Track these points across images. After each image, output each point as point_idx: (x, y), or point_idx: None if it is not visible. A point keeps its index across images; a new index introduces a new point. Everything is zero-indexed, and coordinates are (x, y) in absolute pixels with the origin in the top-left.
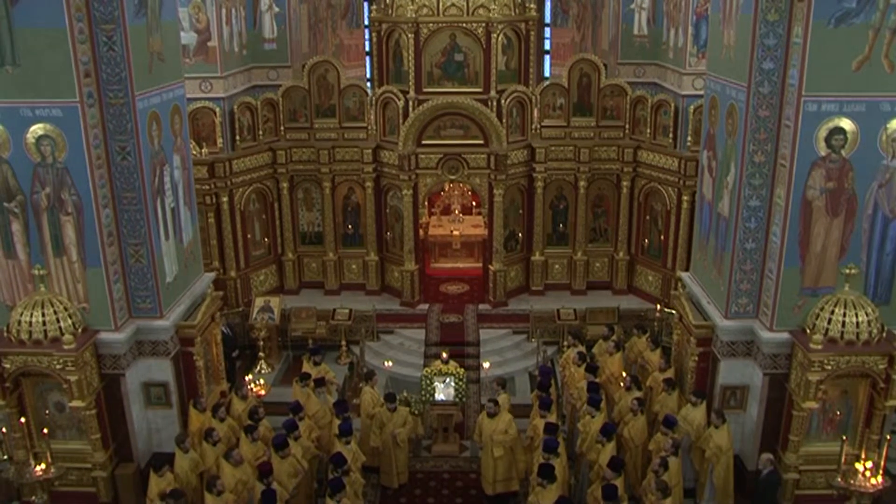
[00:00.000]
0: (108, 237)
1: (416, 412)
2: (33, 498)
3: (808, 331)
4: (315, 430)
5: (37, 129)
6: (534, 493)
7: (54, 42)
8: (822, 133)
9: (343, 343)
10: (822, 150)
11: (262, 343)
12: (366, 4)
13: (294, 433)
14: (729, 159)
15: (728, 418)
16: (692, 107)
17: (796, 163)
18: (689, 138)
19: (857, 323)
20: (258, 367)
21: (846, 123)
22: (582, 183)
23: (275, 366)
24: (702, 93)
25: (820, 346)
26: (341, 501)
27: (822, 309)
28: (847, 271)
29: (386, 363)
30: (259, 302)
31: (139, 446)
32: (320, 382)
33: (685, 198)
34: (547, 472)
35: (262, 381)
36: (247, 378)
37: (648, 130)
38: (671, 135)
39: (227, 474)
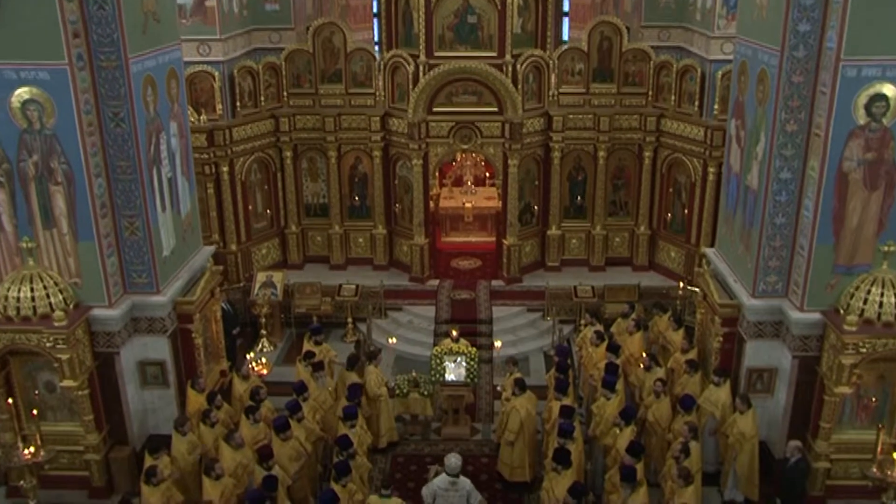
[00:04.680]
0: (102, 208)
1: (426, 393)
2: (21, 483)
3: (841, 311)
4: (319, 412)
5: (22, 92)
6: (548, 479)
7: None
8: (862, 100)
9: (349, 320)
10: (861, 119)
11: (263, 320)
12: None
13: (297, 415)
14: (759, 128)
15: (754, 403)
16: (720, 72)
17: (832, 132)
18: (716, 106)
19: None
20: (260, 346)
21: (889, 89)
22: (601, 153)
23: (277, 344)
24: (731, 57)
25: (854, 328)
26: (347, 486)
27: (857, 288)
28: (885, 248)
29: (390, 340)
30: (261, 277)
31: (134, 428)
32: (318, 367)
33: (711, 169)
34: (562, 457)
35: (263, 360)
36: (248, 357)
37: (673, 98)
38: (697, 102)
39: (226, 458)
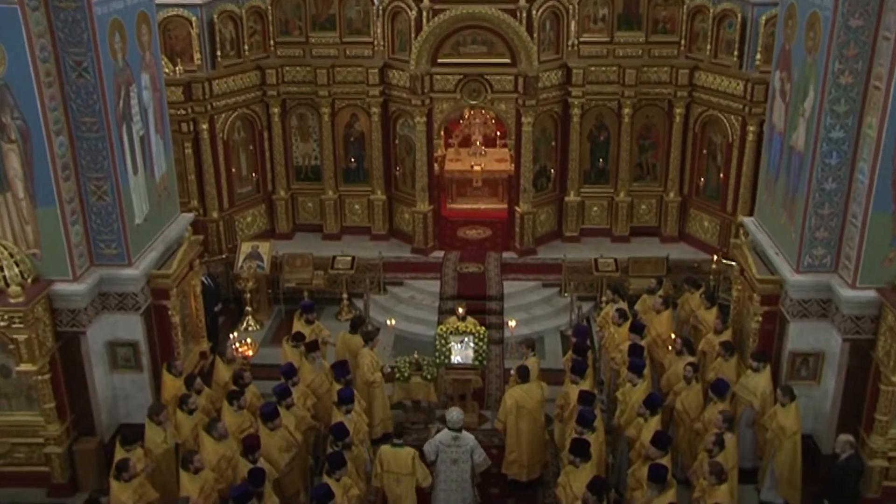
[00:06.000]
0: (64, 170)
1: (429, 377)
2: None
3: None
4: (310, 398)
5: None
6: (564, 473)
7: None
8: None
9: (344, 296)
10: None
11: (249, 296)
12: None
13: (286, 401)
14: (807, 81)
15: (798, 393)
16: (764, 17)
17: (895, 84)
18: (758, 56)
19: None
20: (244, 324)
21: None
22: (627, 110)
23: (264, 322)
24: None
25: None
26: (341, 480)
27: None
28: None
29: (390, 321)
30: (246, 248)
31: (103, 417)
32: (313, 347)
33: (751, 128)
34: (581, 449)
35: (249, 341)
36: (231, 337)
37: (709, 47)
38: (736, 52)
39: (208, 449)
